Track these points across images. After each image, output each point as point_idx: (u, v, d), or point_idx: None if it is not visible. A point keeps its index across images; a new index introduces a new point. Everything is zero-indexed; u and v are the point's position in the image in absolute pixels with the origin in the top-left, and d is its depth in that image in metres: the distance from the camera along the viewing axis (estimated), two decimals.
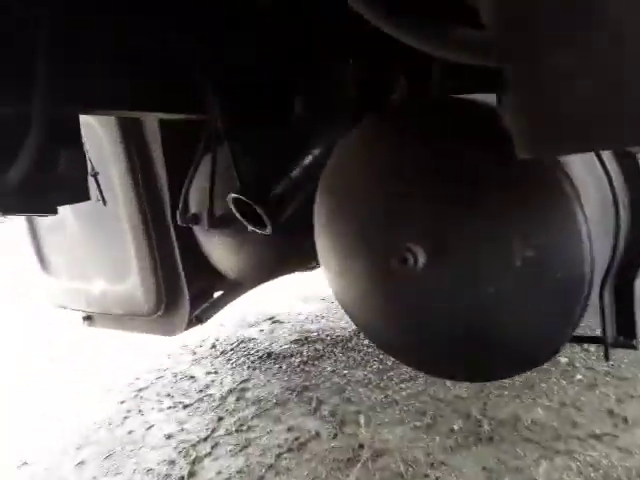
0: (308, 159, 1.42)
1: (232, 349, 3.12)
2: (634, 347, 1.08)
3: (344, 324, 3.16)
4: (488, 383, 2.28)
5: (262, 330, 3.35)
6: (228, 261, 1.90)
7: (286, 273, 2.00)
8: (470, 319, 0.95)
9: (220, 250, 1.88)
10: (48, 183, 1.50)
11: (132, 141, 1.92)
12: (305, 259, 1.94)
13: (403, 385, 2.37)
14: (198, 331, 3.57)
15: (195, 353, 3.19)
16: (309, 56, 1.71)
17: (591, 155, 1.04)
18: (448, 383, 2.31)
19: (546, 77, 0.53)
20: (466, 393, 2.24)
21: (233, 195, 1.43)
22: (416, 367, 1.21)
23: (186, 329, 2.13)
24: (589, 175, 1.00)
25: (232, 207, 1.46)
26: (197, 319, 1.95)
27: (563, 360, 2.43)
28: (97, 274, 2.34)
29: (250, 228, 1.48)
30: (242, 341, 3.21)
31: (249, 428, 2.24)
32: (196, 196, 1.85)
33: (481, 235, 0.90)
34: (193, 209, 1.87)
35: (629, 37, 0.49)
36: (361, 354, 2.68)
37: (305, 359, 2.74)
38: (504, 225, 0.88)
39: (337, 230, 1.11)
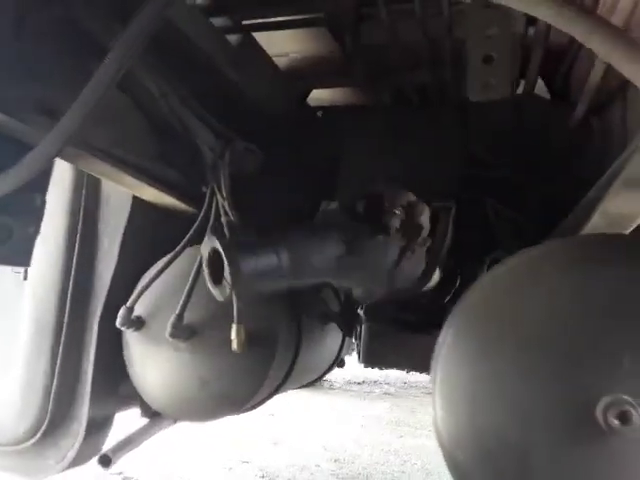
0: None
1: None
2: None
3: None
4: None
5: None
6: (167, 383, 1.46)
7: (231, 413, 1.59)
8: None
9: (162, 368, 1.45)
10: None
11: (82, 207, 1.54)
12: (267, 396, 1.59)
13: None
14: None
15: None
16: None
17: None
18: None
19: None
20: None
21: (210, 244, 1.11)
22: None
23: (65, 469, 1.54)
24: None
25: (204, 256, 1.13)
26: (103, 461, 1.40)
27: None
28: None
29: (210, 286, 1.13)
30: None
31: None
32: (147, 296, 1.47)
33: None
34: (138, 311, 1.47)
35: None
36: None
37: None
38: None
39: (496, 362, 0.87)
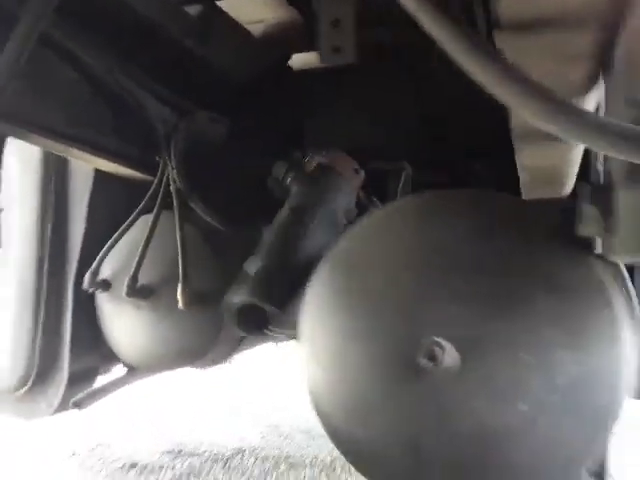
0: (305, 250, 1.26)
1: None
2: None
3: (222, 440, 2.81)
4: None
5: (122, 434, 2.86)
6: (133, 340, 1.62)
7: (195, 365, 1.73)
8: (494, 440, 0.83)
9: (127, 326, 1.61)
10: None
11: (53, 180, 1.67)
12: (229, 350, 1.72)
13: None
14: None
15: None
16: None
17: None
18: None
19: None
20: None
21: (240, 299, 1.21)
22: None
23: (53, 413, 1.73)
24: None
25: (228, 312, 1.25)
26: (76, 405, 1.58)
27: None
28: None
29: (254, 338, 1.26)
30: (98, 444, 2.70)
31: None
32: (113, 260, 1.61)
33: (522, 342, 0.82)
34: (105, 274, 1.61)
35: None
36: (245, 476, 2.34)
37: (178, 474, 2.34)
38: (549, 334, 0.81)
39: (344, 314, 0.95)
